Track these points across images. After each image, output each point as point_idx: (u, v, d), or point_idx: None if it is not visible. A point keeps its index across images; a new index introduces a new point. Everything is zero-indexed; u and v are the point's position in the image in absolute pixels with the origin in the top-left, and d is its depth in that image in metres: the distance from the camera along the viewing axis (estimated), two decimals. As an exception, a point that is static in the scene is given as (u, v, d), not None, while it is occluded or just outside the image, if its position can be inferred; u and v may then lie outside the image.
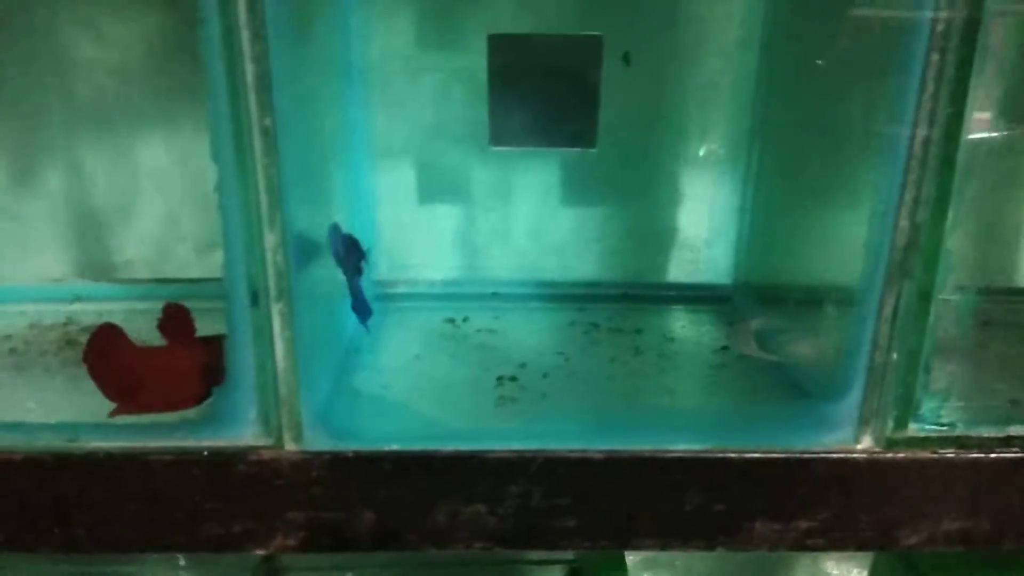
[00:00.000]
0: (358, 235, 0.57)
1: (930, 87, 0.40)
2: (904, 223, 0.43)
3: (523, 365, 0.55)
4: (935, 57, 0.40)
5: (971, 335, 0.61)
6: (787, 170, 0.62)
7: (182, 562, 0.77)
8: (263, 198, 0.41)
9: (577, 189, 0.71)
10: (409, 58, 0.67)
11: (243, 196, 0.41)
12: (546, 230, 0.72)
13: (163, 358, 0.46)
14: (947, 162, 0.42)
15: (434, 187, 0.70)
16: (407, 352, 0.57)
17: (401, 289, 0.70)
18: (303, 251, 0.45)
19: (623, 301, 0.70)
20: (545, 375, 0.54)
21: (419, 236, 0.71)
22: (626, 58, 0.67)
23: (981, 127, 0.47)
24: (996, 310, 0.68)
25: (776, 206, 0.64)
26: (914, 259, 0.43)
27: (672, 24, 0.67)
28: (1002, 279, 0.73)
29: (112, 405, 0.45)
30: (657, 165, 0.70)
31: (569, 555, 0.78)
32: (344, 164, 0.65)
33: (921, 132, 0.41)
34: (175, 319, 0.46)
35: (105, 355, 0.45)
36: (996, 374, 0.55)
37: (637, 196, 0.71)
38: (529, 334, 0.62)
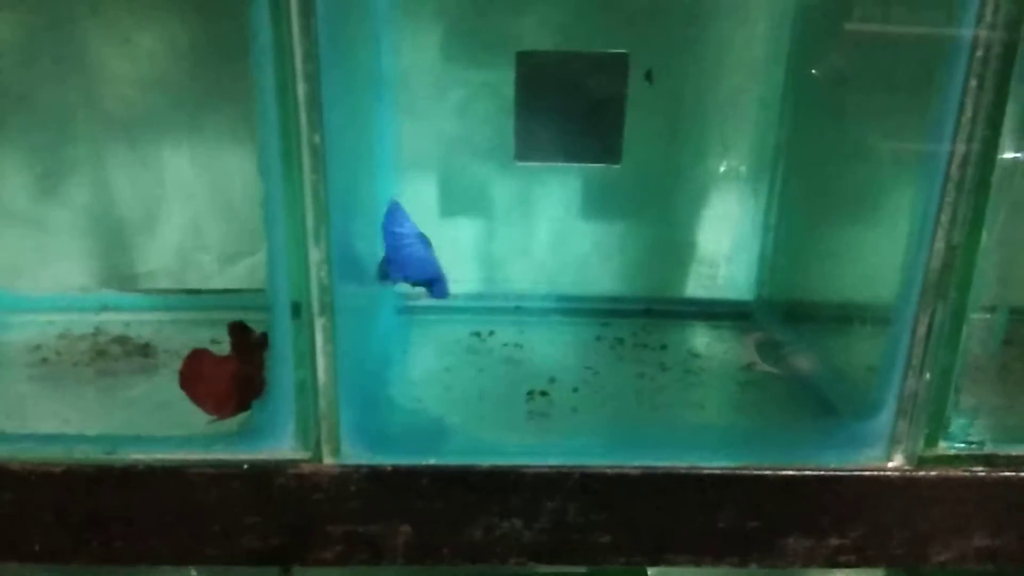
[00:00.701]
0: (381, 248, 0.58)
1: (968, 111, 0.41)
2: (940, 244, 0.43)
3: (552, 379, 0.56)
4: (973, 83, 0.41)
5: (997, 354, 0.62)
6: (814, 188, 0.62)
7: (194, 573, 0.77)
8: (310, 214, 0.41)
9: (600, 204, 0.72)
10: (437, 72, 0.67)
11: (290, 212, 0.41)
12: (569, 244, 0.72)
13: (236, 367, 0.46)
14: (983, 184, 0.43)
15: (459, 200, 0.71)
16: (436, 365, 0.58)
17: (425, 302, 0.71)
18: (349, 262, 0.46)
19: (646, 316, 0.71)
20: (575, 390, 0.55)
21: (443, 249, 0.71)
22: (648, 76, 0.68)
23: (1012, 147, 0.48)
24: (1017, 330, 0.69)
25: (801, 223, 0.65)
26: (949, 280, 0.44)
27: (697, 41, 0.68)
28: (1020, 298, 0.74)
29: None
30: (680, 181, 0.71)
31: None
32: (373, 176, 0.65)
33: (958, 154, 0.42)
34: (239, 335, 0.46)
35: (200, 377, 0.46)
36: (1013, 388, 0.55)
37: (660, 211, 0.72)
38: (555, 348, 0.62)
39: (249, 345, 0.45)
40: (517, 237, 0.71)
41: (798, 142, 0.65)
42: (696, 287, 0.73)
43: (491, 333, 0.65)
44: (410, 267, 0.53)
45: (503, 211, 0.71)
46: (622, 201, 0.72)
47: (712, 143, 0.71)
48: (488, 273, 0.72)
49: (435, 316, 0.69)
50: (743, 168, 0.71)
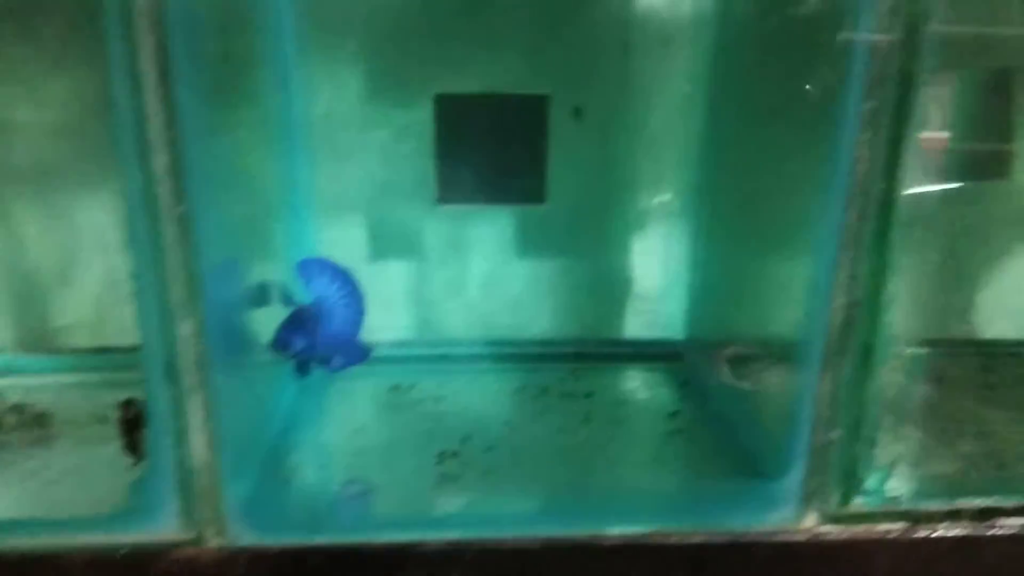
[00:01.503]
0: (301, 296, 0.56)
1: (864, 157, 0.40)
2: (841, 300, 0.42)
3: (467, 438, 0.54)
4: (866, 135, 0.40)
5: (923, 395, 0.60)
6: (735, 225, 0.61)
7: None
8: (178, 286, 0.39)
9: (529, 245, 0.70)
10: (358, 115, 0.66)
11: (158, 285, 0.39)
12: (498, 287, 0.71)
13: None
14: (883, 232, 0.42)
15: (382, 245, 0.69)
16: (346, 427, 0.56)
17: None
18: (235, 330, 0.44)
19: (577, 360, 0.69)
20: (489, 449, 0.53)
21: (369, 296, 0.69)
22: (577, 112, 0.67)
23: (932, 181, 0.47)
24: (953, 364, 0.67)
25: (725, 261, 0.64)
26: (852, 332, 0.43)
27: (622, 80, 0.67)
28: (962, 329, 0.73)
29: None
30: (611, 218, 0.70)
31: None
32: (288, 223, 0.64)
33: (854, 210, 0.41)
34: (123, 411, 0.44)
35: None
36: (947, 438, 0.54)
37: (591, 251, 0.70)
38: (477, 401, 0.61)
39: (127, 421, 0.43)
40: (445, 281, 0.70)
41: (720, 178, 0.64)
42: (628, 327, 0.72)
43: (412, 386, 0.63)
44: (308, 336, 0.52)
45: (430, 254, 0.69)
46: (553, 241, 0.70)
47: (641, 180, 0.70)
48: (415, 319, 0.70)
49: (358, 368, 0.67)
50: (672, 204, 0.69)
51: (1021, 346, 0.70)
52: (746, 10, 0.56)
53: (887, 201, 0.41)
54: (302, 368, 0.53)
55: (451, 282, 0.70)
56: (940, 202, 0.68)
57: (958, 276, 0.72)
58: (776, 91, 0.50)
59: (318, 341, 0.53)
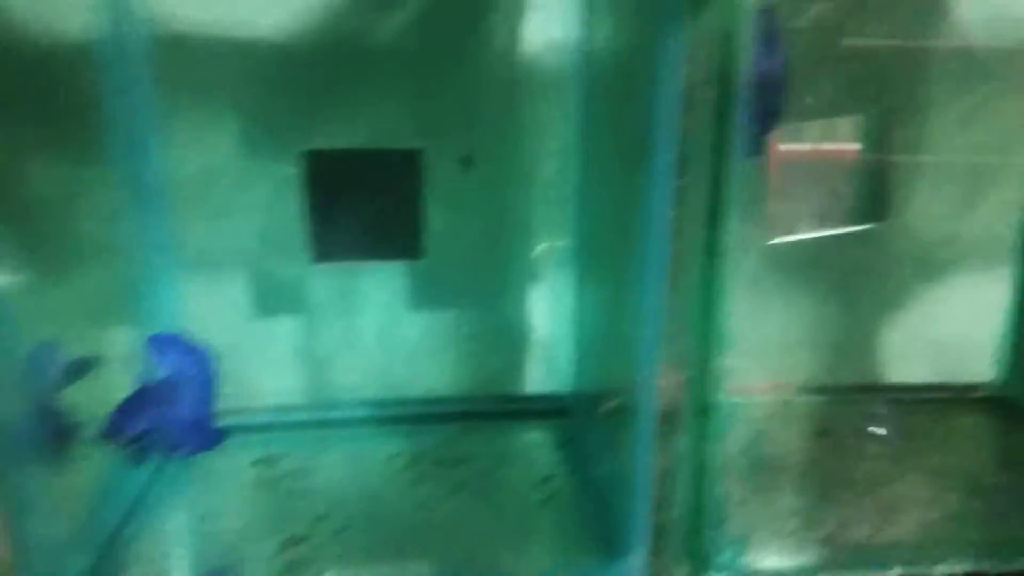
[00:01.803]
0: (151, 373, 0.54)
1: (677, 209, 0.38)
2: (670, 360, 0.40)
3: (321, 518, 0.52)
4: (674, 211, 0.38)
5: (799, 450, 0.59)
6: (607, 273, 0.60)
7: None
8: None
9: (417, 299, 0.69)
10: (226, 174, 0.63)
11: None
12: (383, 345, 0.68)
13: None
14: (709, 290, 0.40)
15: (260, 306, 0.66)
16: (198, 511, 0.53)
17: (224, 421, 0.66)
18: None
19: (462, 419, 0.67)
20: (342, 530, 0.50)
21: (240, 360, 0.67)
22: (465, 162, 0.65)
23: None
24: (843, 412, 0.66)
25: (604, 311, 0.62)
26: (686, 399, 0.41)
27: (506, 129, 0.66)
28: (856, 375, 0.72)
29: None
30: (498, 270, 0.68)
31: None
32: (156, 288, 0.61)
33: (676, 265, 0.39)
34: None
35: None
36: (815, 499, 0.53)
37: (479, 304, 0.69)
38: (345, 473, 0.58)
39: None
40: (325, 340, 0.67)
41: (597, 226, 0.63)
42: (516, 382, 0.70)
43: (282, 457, 0.60)
44: (149, 419, 0.49)
45: (309, 313, 0.67)
46: (441, 295, 0.68)
47: (530, 228, 0.68)
48: (295, 382, 0.68)
49: (229, 438, 0.64)
50: (558, 253, 0.68)
51: (921, 390, 0.69)
52: (601, 58, 0.55)
53: (713, 252, 0.39)
54: (138, 456, 0.50)
55: (332, 341, 0.67)
56: (833, 245, 0.68)
57: (855, 319, 0.72)
58: (624, 139, 0.49)
59: (162, 424, 0.51)
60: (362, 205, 0.64)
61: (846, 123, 0.64)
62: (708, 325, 0.40)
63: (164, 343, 0.53)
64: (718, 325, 0.40)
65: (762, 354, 0.70)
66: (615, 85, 0.51)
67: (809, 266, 0.68)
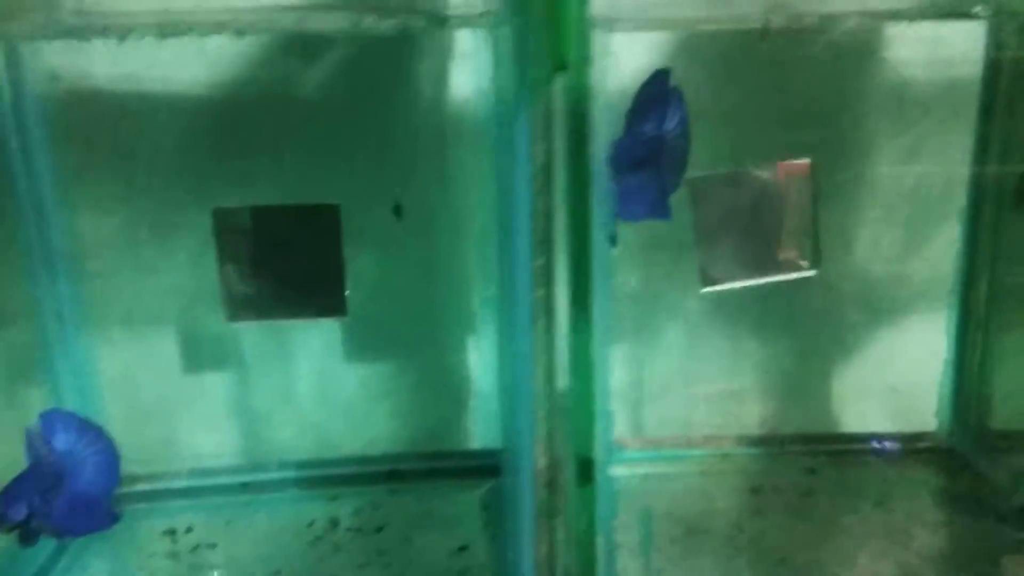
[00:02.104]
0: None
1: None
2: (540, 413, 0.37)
3: (218, 600, 0.49)
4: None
5: (727, 509, 0.57)
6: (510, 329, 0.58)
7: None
8: None
9: (345, 354, 0.67)
10: (135, 236, 0.62)
11: None
12: (310, 403, 0.66)
13: None
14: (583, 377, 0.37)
15: (177, 365, 0.64)
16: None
17: (140, 487, 0.63)
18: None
19: (388, 481, 0.65)
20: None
21: (160, 421, 0.65)
22: (396, 211, 0.64)
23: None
24: (779, 466, 0.64)
25: (509, 368, 0.60)
26: (565, 474, 0.39)
27: (436, 179, 0.64)
28: (802, 425, 0.69)
29: None
30: (430, 323, 0.66)
31: None
32: (65, 351, 0.60)
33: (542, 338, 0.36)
34: None
35: None
36: (732, 568, 0.50)
37: (410, 358, 0.67)
38: (255, 544, 0.56)
39: None
40: (250, 399, 0.65)
41: (506, 278, 0.61)
42: (449, 439, 0.68)
43: (189, 530, 0.58)
44: (39, 501, 0.47)
45: (231, 371, 0.65)
46: (367, 351, 0.66)
47: (465, 277, 0.66)
48: (215, 445, 0.66)
49: (146, 504, 0.62)
50: (484, 305, 0.66)
51: (867, 440, 0.67)
52: (501, 116, 0.54)
53: (580, 294, 0.36)
54: (28, 538, 0.48)
55: (259, 399, 0.65)
56: (778, 289, 0.66)
57: (801, 365, 0.69)
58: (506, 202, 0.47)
59: (54, 506, 0.49)
60: (277, 262, 0.63)
61: (779, 168, 0.62)
62: (584, 385, 0.37)
63: (56, 421, 0.51)
64: (591, 385, 0.37)
65: (701, 404, 0.68)
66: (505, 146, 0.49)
67: (753, 311, 0.66)
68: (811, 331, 0.68)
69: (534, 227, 0.32)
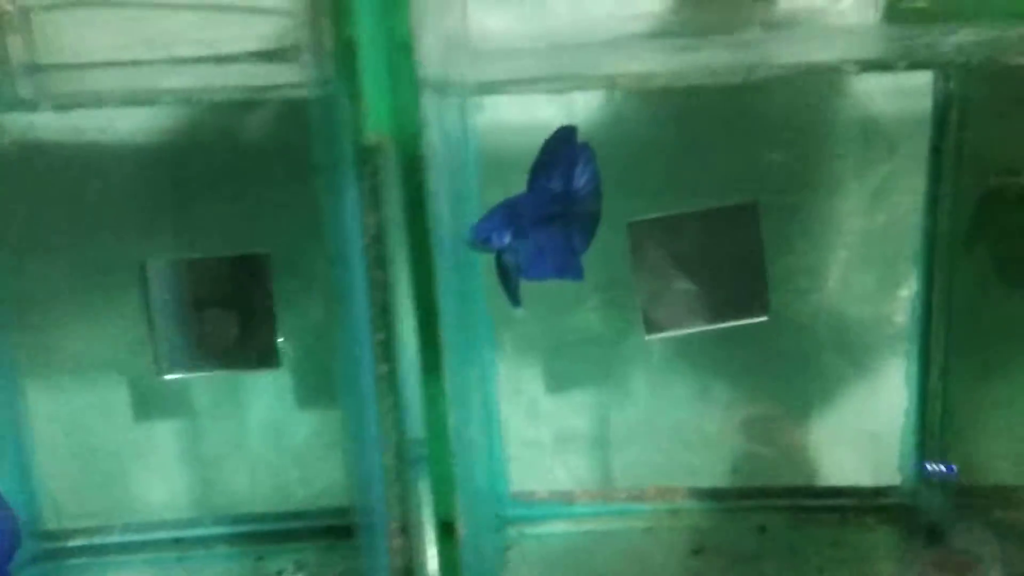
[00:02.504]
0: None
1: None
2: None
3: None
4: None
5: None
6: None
7: None
8: None
9: (295, 403, 0.65)
10: (62, 291, 0.61)
11: None
12: (249, 453, 0.65)
13: None
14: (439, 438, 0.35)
15: (105, 421, 0.63)
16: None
17: (76, 542, 0.62)
18: None
19: (326, 537, 0.63)
20: None
21: (90, 478, 0.64)
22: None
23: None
24: (728, 524, 0.60)
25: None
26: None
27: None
28: (760, 477, 0.66)
29: None
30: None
31: None
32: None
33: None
34: None
35: None
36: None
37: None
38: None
39: None
40: (176, 453, 0.64)
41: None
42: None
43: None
44: None
45: (160, 425, 0.64)
46: (308, 402, 0.65)
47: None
48: (153, 501, 0.64)
49: (77, 560, 0.61)
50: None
51: (827, 495, 0.62)
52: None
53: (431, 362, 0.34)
54: None
55: (182, 453, 0.64)
56: (734, 335, 0.63)
57: (761, 413, 0.66)
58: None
59: None
60: (207, 313, 0.61)
61: (722, 211, 0.59)
62: (440, 451, 0.35)
63: None
64: (447, 452, 0.35)
65: (656, 453, 0.65)
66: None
67: (711, 357, 0.63)
68: (775, 376, 0.64)
69: (372, 300, 0.31)
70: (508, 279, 0.44)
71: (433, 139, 0.30)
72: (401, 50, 0.28)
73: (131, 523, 0.64)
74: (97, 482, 0.64)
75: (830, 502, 0.61)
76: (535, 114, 0.59)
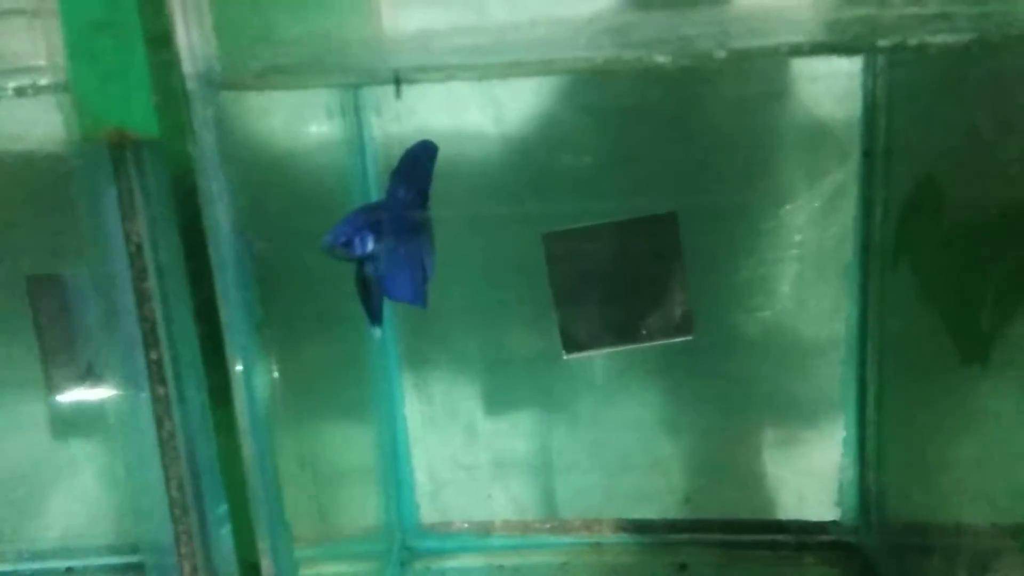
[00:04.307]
0: None
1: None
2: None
3: None
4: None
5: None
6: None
7: None
8: None
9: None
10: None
11: None
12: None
13: None
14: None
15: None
16: None
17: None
18: None
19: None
20: None
21: None
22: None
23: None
24: (651, 560, 0.56)
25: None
26: None
27: None
28: (692, 510, 0.61)
29: None
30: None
31: None
32: None
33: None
34: None
35: None
36: None
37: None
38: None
39: None
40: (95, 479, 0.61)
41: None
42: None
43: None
44: None
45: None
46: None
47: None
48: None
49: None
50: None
51: (762, 529, 0.57)
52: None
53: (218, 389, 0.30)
54: None
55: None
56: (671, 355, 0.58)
57: (696, 442, 0.61)
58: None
59: None
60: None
61: (640, 221, 0.55)
62: (234, 485, 0.31)
63: None
64: (243, 487, 0.31)
65: (587, 482, 0.61)
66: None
67: (641, 384, 0.59)
68: (714, 400, 0.60)
69: (141, 316, 0.27)
70: (369, 294, 0.40)
71: (208, 139, 0.26)
72: (155, 44, 0.25)
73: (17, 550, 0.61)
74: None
75: (764, 537, 0.56)
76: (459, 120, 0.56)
